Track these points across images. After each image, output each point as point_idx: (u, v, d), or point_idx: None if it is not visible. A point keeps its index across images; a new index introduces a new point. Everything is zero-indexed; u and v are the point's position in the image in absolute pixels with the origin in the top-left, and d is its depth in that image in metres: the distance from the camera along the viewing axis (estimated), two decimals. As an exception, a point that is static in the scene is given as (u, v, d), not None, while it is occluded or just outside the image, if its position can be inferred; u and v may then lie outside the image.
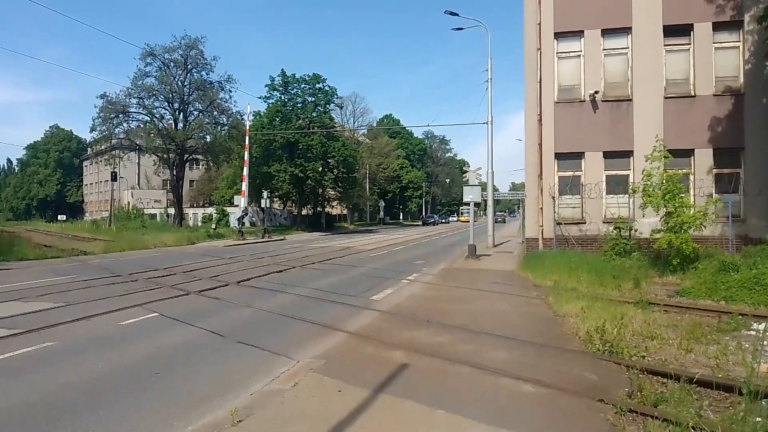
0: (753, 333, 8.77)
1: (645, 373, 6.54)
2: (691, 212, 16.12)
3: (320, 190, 63.50)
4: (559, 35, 20.29)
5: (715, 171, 18.91)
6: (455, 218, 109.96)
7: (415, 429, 4.99)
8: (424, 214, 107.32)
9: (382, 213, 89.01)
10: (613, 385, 6.21)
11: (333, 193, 67.26)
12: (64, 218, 51.41)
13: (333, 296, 13.46)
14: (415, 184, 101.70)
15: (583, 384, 6.28)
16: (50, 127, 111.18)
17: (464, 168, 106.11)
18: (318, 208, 67.20)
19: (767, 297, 11.33)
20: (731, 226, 17.85)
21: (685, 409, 4.96)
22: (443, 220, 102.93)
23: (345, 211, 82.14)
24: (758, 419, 4.20)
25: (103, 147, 62.69)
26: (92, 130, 48.57)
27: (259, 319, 10.86)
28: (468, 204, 24.00)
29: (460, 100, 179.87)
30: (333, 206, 74.60)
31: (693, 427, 4.30)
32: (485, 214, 34.28)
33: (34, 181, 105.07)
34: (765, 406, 4.16)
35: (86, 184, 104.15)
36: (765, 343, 8.05)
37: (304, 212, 65.87)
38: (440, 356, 7.48)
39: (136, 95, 48.69)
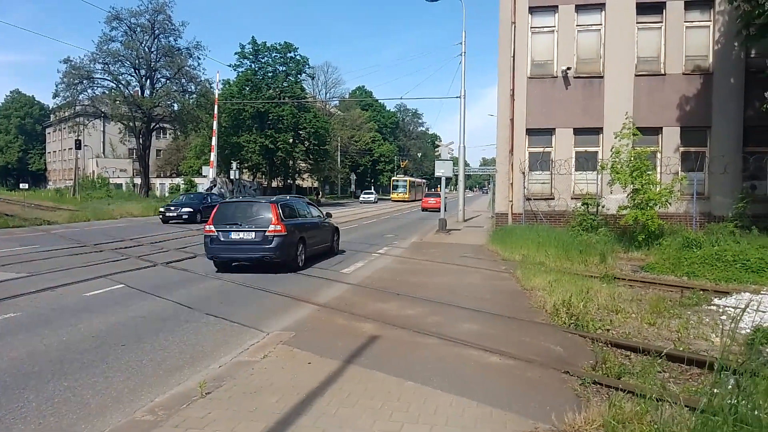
0: (714, 308, 9.03)
1: (609, 346, 6.67)
2: (658, 189, 16.42)
3: (291, 162, 62.99)
4: (533, 9, 20.21)
5: (682, 149, 19.24)
6: (371, 196, 70.81)
7: (385, 400, 5.02)
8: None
9: (353, 186, 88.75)
10: (579, 358, 6.32)
11: (304, 165, 66.79)
12: (27, 186, 50.14)
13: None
14: (387, 158, 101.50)
15: (549, 356, 6.39)
16: (11, 91, 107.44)
17: (436, 142, 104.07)
18: (288, 180, 66.68)
19: (728, 273, 11.67)
20: (696, 204, 18.26)
21: (649, 381, 5.08)
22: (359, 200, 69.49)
23: (316, 184, 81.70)
24: (716, 390, 4.32)
25: (66, 113, 60.80)
26: (55, 95, 47.34)
27: (228, 291, 10.79)
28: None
29: (434, 74, 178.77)
30: (304, 179, 74.10)
31: (656, 399, 4.41)
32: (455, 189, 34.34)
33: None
34: (731, 381, 4.28)
35: (49, 152, 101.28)
36: (724, 317, 8.32)
37: (274, 184, 65.30)
38: (410, 328, 7.53)
39: (101, 60, 47.52)
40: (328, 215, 16.74)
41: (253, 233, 12.86)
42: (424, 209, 45.84)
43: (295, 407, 4.85)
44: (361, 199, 69.81)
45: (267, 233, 12.74)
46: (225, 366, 6.06)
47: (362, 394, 5.18)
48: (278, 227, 12.79)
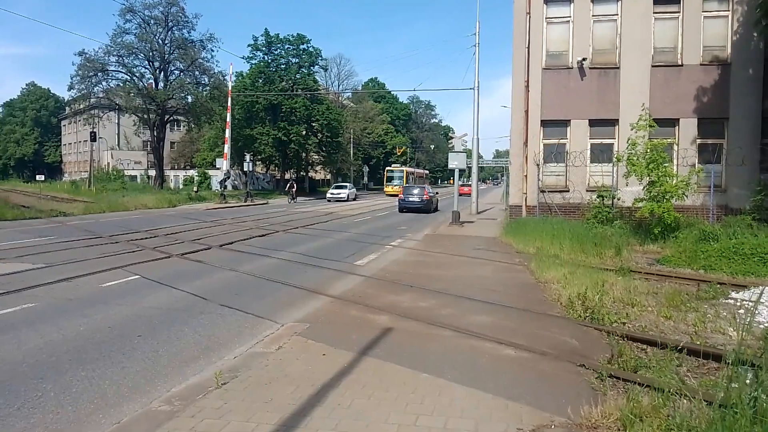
0: (731, 301, 8.92)
1: (625, 339, 6.60)
2: (674, 182, 16.24)
3: (304, 154, 62.99)
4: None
5: (698, 141, 18.99)
6: (344, 192, 49.93)
7: (399, 391, 5.02)
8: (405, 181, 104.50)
9: (366, 178, 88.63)
10: (594, 351, 6.29)
11: (317, 157, 66.76)
12: (43, 178, 50.59)
13: (316, 261, 13.44)
14: (400, 150, 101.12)
15: (565, 349, 6.35)
16: (27, 84, 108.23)
17: (449, 134, 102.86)
18: (301, 173, 66.71)
19: (745, 266, 11.53)
20: (713, 196, 18.04)
21: (666, 375, 5.03)
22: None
23: (329, 176, 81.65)
24: (734, 385, 4.28)
25: (81, 106, 61.35)
26: (70, 88, 47.52)
27: (242, 282, 10.83)
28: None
29: (447, 65, 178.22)
30: (317, 171, 74.13)
31: (674, 393, 4.37)
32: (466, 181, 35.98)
33: (11, 140, 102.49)
34: (749, 375, 4.23)
35: (64, 144, 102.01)
36: (741, 311, 8.22)
37: (287, 176, 65.41)
38: (424, 320, 7.52)
39: (115, 53, 47.59)
40: (437, 192, 39.21)
41: (417, 198, 32.52)
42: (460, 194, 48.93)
43: (310, 399, 4.86)
44: (328, 196, 50.20)
45: (423, 198, 32.42)
46: (240, 357, 6.09)
47: (377, 385, 5.18)
48: (426, 196, 32.61)
